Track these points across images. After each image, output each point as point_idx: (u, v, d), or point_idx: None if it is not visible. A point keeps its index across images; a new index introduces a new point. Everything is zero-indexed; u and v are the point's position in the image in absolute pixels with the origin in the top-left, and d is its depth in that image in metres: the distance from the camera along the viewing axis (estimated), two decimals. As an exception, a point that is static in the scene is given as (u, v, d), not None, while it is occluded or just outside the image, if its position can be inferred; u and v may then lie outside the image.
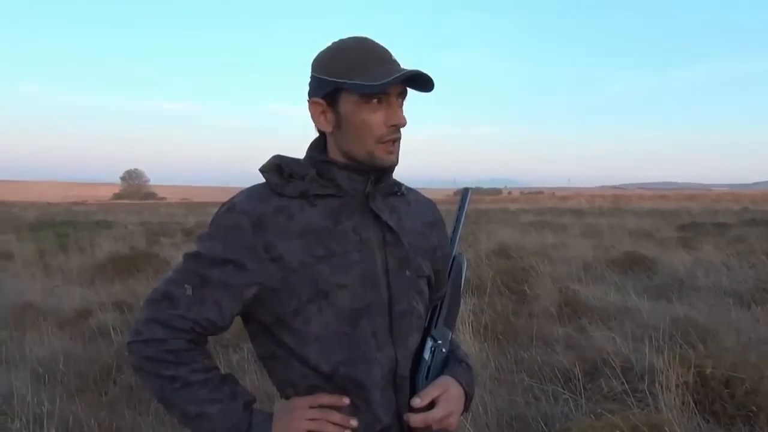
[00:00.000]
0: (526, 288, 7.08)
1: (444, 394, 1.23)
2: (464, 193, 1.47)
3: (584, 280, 7.76)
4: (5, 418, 3.66)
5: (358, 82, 1.17)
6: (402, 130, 1.23)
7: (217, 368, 1.24)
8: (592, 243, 12.07)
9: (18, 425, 3.49)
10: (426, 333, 1.31)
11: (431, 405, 1.22)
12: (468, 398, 1.30)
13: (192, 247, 1.23)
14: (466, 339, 4.93)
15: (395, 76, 1.15)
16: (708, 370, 3.58)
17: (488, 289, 6.67)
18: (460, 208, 1.43)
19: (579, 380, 3.70)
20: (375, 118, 1.19)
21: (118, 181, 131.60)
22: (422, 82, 1.20)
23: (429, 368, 1.27)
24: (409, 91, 1.22)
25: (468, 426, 3.22)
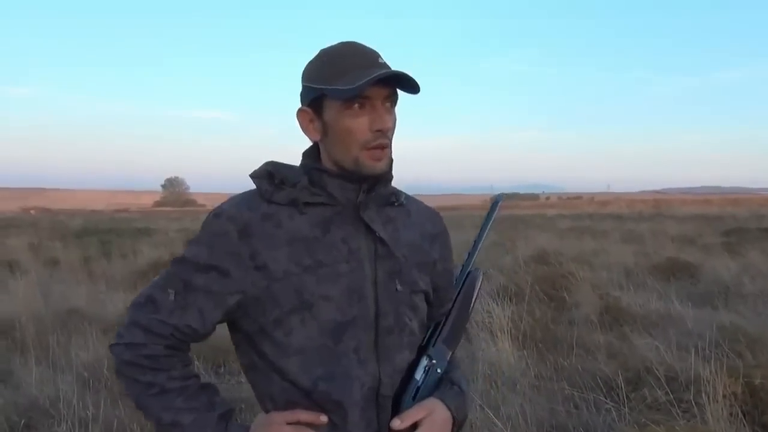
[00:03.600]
0: (565, 295, 6.98)
1: (428, 417, 1.17)
2: (494, 202, 1.40)
3: (625, 287, 7.61)
4: (52, 421, 3.75)
5: (336, 87, 1.13)
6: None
7: (196, 376, 1.22)
8: (633, 249, 11.83)
9: (64, 428, 3.58)
10: (422, 351, 1.25)
11: (414, 427, 1.16)
12: (456, 424, 1.22)
13: (181, 252, 1.22)
14: (504, 347, 4.88)
15: (368, 78, 1.10)
16: (757, 381, 3.47)
17: (527, 296, 6.59)
18: (488, 219, 1.35)
19: (622, 389, 3.62)
20: (358, 123, 1.15)
21: (160, 188, 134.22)
22: (407, 84, 1.15)
23: (419, 388, 1.21)
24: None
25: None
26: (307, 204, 1.18)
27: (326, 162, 1.22)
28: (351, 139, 1.16)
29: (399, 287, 1.21)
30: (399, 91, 1.19)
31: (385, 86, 1.15)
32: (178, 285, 1.18)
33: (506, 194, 1.44)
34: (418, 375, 1.21)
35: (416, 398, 1.20)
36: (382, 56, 1.18)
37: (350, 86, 1.11)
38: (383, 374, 1.18)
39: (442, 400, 1.21)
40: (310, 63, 1.20)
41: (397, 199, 1.27)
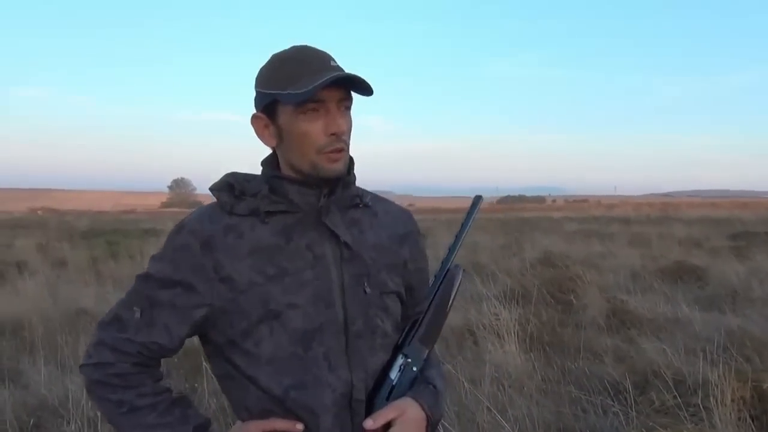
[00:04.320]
0: (572, 298, 6.96)
1: (401, 417, 1.15)
2: (474, 201, 1.37)
3: (632, 290, 7.59)
4: (61, 420, 3.77)
5: (290, 91, 1.12)
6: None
7: (168, 391, 1.22)
8: (640, 252, 11.80)
9: (73, 428, 3.60)
10: (397, 350, 1.23)
11: (387, 427, 1.15)
12: (430, 423, 1.20)
13: (145, 268, 1.22)
14: (511, 349, 4.87)
15: (319, 81, 1.10)
16: (766, 385, 3.46)
17: (534, 299, 6.58)
18: (468, 217, 1.32)
19: (629, 393, 3.61)
20: (313, 127, 1.15)
21: (166, 189, 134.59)
22: (359, 86, 1.15)
23: (393, 387, 1.19)
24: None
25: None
26: (268, 213, 1.18)
27: (285, 168, 1.21)
28: (307, 144, 1.15)
29: (368, 290, 1.20)
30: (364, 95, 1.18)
31: (338, 89, 1.15)
32: (143, 302, 1.18)
33: (482, 197, 1.42)
34: (393, 374, 1.20)
35: (390, 397, 1.19)
36: (334, 59, 1.18)
37: (302, 90, 1.11)
38: (356, 379, 1.17)
39: (416, 400, 1.19)
40: (263, 68, 1.20)
41: (361, 201, 1.26)
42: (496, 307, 5.90)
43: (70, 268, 11.12)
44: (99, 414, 3.50)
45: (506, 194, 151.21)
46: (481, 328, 5.35)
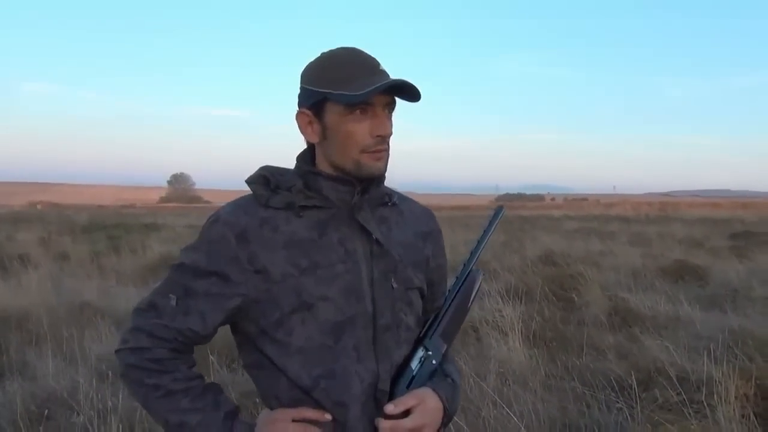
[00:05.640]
0: (574, 295, 7.00)
1: (420, 405, 1.19)
2: (496, 211, 1.42)
3: (633, 289, 7.62)
4: (70, 412, 3.80)
5: (341, 92, 1.16)
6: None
7: (201, 377, 1.25)
8: (641, 251, 11.86)
9: (82, 419, 3.63)
10: (418, 343, 1.28)
11: (406, 414, 1.19)
12: (447, 414, 1.25)
13: (178, 258, 1.24)
14: (515, 345, 4.91)
15: (376, 85, 1.14)
16: (769, 383, 3.50)
17: (537, 296, 6.62)
18: (489, 225, 1.38)
19: (633, 389, 3.64)
20: (360, 128, 1.18)
21: (165, 184, 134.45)
22: (408, 92, 1.19)
23: (414, 377, 1.24)
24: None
25: (523, 431, 3.21)
26: (303, 207, 1.21)
27: (321, 164, 1.25)
28: (351, 143, 1.19)
29: (395, 285, 1.24)
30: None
31: (388, 94, 1.19)
32: (179, 291, 1.21)
33: (504, 209, 1.47)
34: (414, 364, 1.25)
35: (410, 387, 1.23)
36: (381, 63, 1.22)
37: (357, 92, 1.14)
38: (382, 370, 1.21)
39: (435, 390, 1.24)
40: (311, 66, 1.23)
41: (390, 200, 1.31)
42: (499, 304, 5.94)
43: (72, 261, 11.15)
44: (109, 406, 3.54)
45: (506, 192, 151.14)
46: (485, 324, 5.38)
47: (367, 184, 1.24)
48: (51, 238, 15.47)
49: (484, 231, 1.37)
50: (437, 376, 1.28)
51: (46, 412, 3.64)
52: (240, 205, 1.24)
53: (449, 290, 1.34)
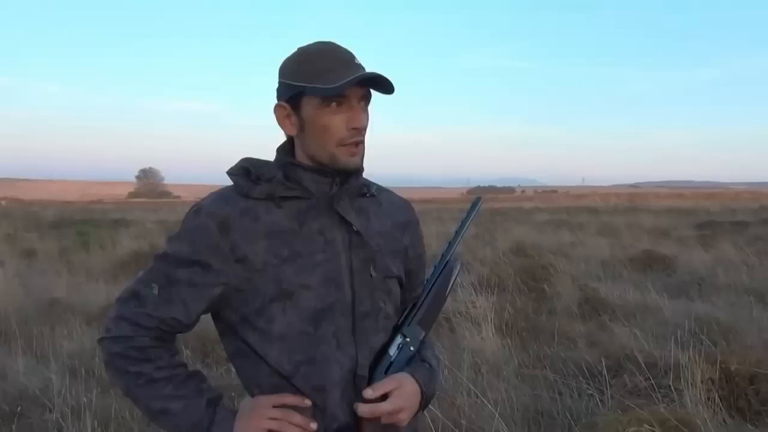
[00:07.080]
0: (545, 286, 7.10)
1: (398, 389, 1.23)
2: (474, 202, 1.45)
3: (603, 279, 7.77)
4: (43, 410, 3.76)
5: (317, 85, 1.19)
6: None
7: (184, 365, 1.27)
8: (610, 241, 12.04)
9: (55, 417, 3.59)
10: (397, 330, 1.31)
11: (384, 398, 1.22)
12: (424, 398, 1.29)
13: (162, 247, 1.27)
14: (488, 335, 4.98)
15: (349, 78, 1.17)
16: (733, 367, 3.61)
17: (509, 287, 6.70)
18: (468, 216, 1.41)
19: (604, 376, 3.73)
20: (335, 121, 1.21)
21: (133, 179, 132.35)
22: (382, 85, 1.22)
23: (391, 363, 1.27)
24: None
25: (498, 419, 3.27)
26: (283, 198, 1.24)
27: (300, 156, 1.28)
28: (328, 136, 1.22)
29: (373, 274, 1.28)
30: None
31: (362, 87, 1.22)
32: (161, 279, 1.23)
33: (482, 199, 1.50)
34: (392, 351, 1.28)
35: (388, 372, 1.26)
36: (357, 57, 1.24)
37: (331, 85, 1.17)
38: (360, 356, 1.24)
39: (412, 375, 1.28)
40: (289, 60, 1.25)
41: (368, 190, 1.34)
42: (472, 295, 6.01)
43: (40, 258, 10.96)
44: (83, 403, 3.50)
45: (477, 185, 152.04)
46: (458, 315, 5.44)
47: (345, 175, 1.26)
48: (17, 234, 15.17)
49: (462, 222, 1.40)
50: (415, 361, 1.31)
51: (18, 409, 3.60)
52: (222, 195, 1.26)
53: (427, 279, 1.37)
